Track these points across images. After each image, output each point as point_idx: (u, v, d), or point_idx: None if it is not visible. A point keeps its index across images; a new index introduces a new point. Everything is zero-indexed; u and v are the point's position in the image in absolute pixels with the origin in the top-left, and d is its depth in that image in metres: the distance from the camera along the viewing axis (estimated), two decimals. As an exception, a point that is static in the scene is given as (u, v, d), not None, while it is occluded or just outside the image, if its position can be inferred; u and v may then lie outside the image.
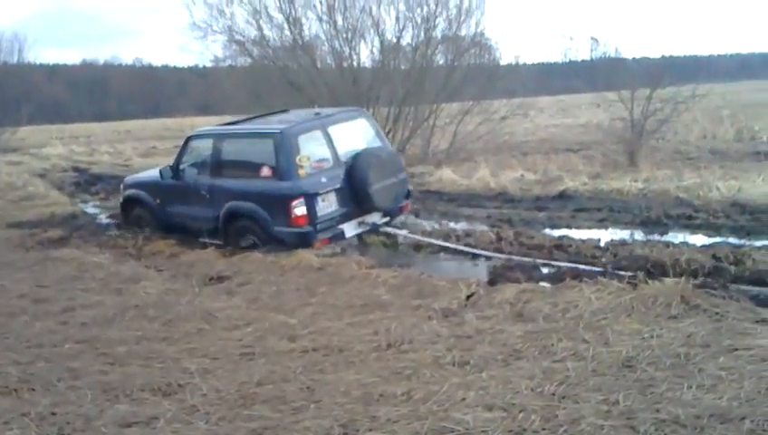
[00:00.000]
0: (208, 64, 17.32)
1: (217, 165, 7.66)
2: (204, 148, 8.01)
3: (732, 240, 6.94)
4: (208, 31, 14.19)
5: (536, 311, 4.62)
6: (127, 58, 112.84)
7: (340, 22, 13.19)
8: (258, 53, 14.23)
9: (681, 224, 7.89)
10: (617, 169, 14.01)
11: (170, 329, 5.04)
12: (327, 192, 7.08)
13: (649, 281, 4.89)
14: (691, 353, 3.71)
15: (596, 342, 4.02)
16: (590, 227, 8.11)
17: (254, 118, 8.81)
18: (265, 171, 7.18)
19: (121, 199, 9.05)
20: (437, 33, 13.74)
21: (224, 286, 6.16)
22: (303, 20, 13.57)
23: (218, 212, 7.46)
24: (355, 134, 7.68)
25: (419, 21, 13.20)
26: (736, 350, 3.67)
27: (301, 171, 6.95)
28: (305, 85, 12.58)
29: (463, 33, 14.46)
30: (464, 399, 3.44)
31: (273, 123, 7.80)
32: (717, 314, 4.26)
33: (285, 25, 13.35)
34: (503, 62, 17.53)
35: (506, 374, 3.71)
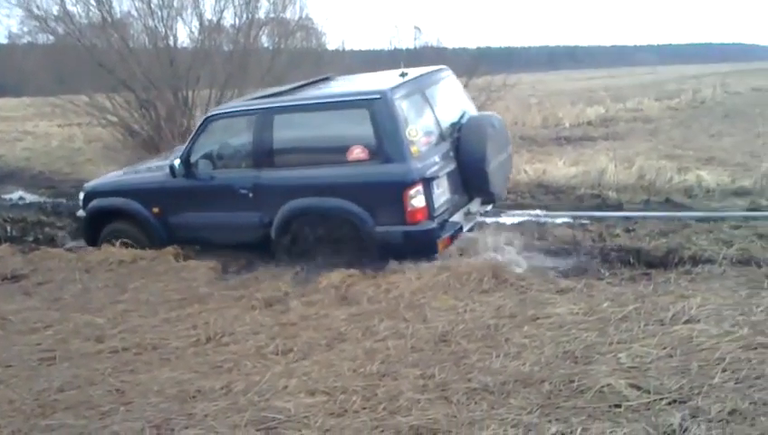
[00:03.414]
0: (3, 41, 15.48)
1: (266, 152, 5.56)
2: (237, 131, 5.98)
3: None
4: None
5: (360, 294, 4.68)
6: None
7: (154, -1, 12.41)
8: (63, 30, 12.96)
9: (494, 204, 8.38)
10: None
11: (-47, 338, 4.44)
12: (442, 176, 5.37)
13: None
14: (500, 324, 3.96)
15: (415, 319, 4.16)
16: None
17: (294, 88, 6.29)
18: (357, 152, 5.23)
19: (84, 214, 6.52)
20: (261, 15, 13.47)
21: (19, 286, 5.54)
22: (113, -5, 12.58)
23: (270, 217, 5.50)
24: (450, 98, 6.05)
25: (241, 1, 12.82)
26: (538, 319, 3.98)
27: (413, 148, 5.16)
28: (116, 66, 11.67)
29: (288, 15, 14.31)
30: (286, 387, 3.42)
31: (358, 87, 5.87)
32: (523, 286, 4.58)
33: (92, 1, 12.30)
34: (330, 48, 17.63)
35: (330, 358, 3.72)
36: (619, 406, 2.88)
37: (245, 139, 5.78)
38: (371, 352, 3.74)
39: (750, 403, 2.74)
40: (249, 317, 4.44)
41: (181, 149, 6.92)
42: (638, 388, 2.99)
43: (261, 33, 13.78)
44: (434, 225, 5.15)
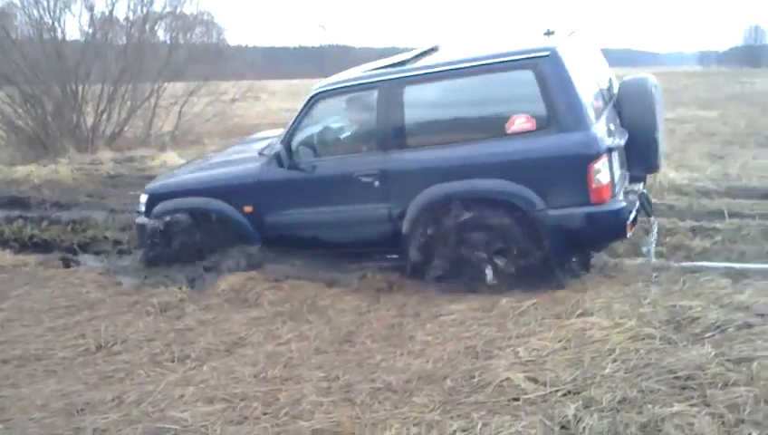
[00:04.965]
0: None
1: (395, 131, 4.66)
2: (354, 109, 5.13)
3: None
4: None
5: (262, 296, 4.55)
6: None
7: (39, -12, 11.62)
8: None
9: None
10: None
11: None
12: (619, 146, 4.52)
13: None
14: (403, 323, 3.98)
15: (318, 321, 4.10)
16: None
17: (408, 59, 5.07)
18: (521, 123, 4.36)
19: (152, 221, 5.24)
20: (157, 8, 12.97)
21: None
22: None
23: (402, 208, 4.63)
24: (597, 61, 5.17)
25: (136, -7, 12.28)
26: (441, 316, 4.01)
27: (590, 114, 4.34)
28: (-3, 58, 10.91)
29: (186, 10, 13.88)
30: (182, 395, 3.29)
31: (509, 47, 4.74)
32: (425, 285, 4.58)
33: (-32, -13, 11.41)
34: (231, 44, 17.22)
35: (229, 364, 3.62)
36: (517, 399, 2.95)
37: (366, 117, 4.93)
38: (273, 355, 3.65)
39: (638, 391, 2.87)
40: (143, 323, 4.24)
41: (257, 138, 6.32)
42: (536, 381, 3.07)
43: (157, 26, 13.28)
44: (623, 203, 4.36)
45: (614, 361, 3.17)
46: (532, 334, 3.58)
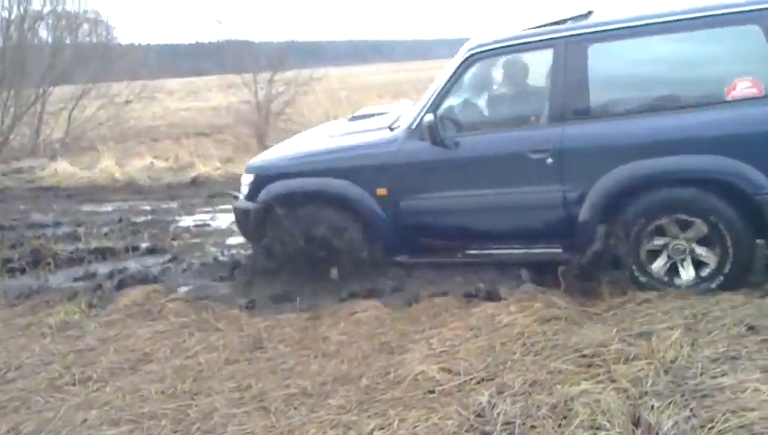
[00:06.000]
0: None
1: (577, 98, 3.99)
2: (522, 73, 4.56)
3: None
4: None
5: (167, 309, 4.36)
6: None
7: None
8: None
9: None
10: (248, 152, 14.27)
11: None
12: None
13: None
14: (317, 324, 3.93)
15: (228, 330, 3.98)
16: (226, 212, 8.06)
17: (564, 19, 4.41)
18: (744, 88, 3.73)
19: (259, 204, 4.62)
20: (37, 7, 12.18)
21: None
22: None
23: (582, 190, 3.96)
24: None
25: (12, -9, 11.47)
26: (356, 313, 3.98)
27: None
28: None
29: (69, 8, 13.12)
30: (85, 420, 3.10)
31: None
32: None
33: None
34: (123, 42, 16.48)
35: (135, 382, 3.43)
36: (432, 392, 2.96)
37: (536, 82, 4.39)
38: (181, 370, 3.50)
39: (547, 373, 2.96)
40: (39, 346, 3.96)
41: (362, 115, 5.57)
42: (450, 371, 3.10)
43: (38, 26, 12.48)
44: None
45: (523, 345, 3.25)
46: (444, 325, 3.62)
